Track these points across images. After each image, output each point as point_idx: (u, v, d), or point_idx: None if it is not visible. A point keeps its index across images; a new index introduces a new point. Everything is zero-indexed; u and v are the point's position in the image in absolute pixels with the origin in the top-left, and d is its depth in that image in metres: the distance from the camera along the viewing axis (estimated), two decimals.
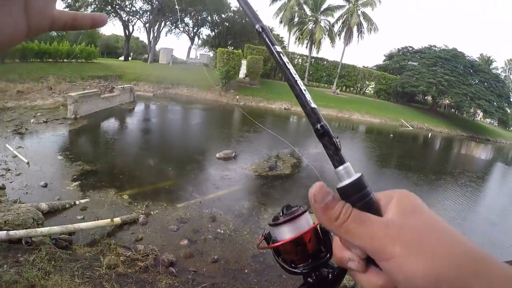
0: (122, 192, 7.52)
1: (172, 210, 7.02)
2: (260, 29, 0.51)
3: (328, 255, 0.50)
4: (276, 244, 0.50)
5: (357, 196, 0.41)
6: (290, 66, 0.48)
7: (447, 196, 11.73)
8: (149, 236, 5.86)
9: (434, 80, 37.25)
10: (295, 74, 0.47)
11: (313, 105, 0.45)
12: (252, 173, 10.09)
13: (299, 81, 0.47)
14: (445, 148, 26.98)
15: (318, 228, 0.52)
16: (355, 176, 0.42)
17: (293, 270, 0.51)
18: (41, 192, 7.19)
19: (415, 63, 43.34)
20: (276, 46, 0.50)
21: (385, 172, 13.85)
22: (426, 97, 47.94)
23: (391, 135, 25.07)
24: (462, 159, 22.39)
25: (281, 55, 0.49)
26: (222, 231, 6.44)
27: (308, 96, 0.46)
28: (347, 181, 0.42)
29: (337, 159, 0.44)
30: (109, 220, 5.86)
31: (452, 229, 0.37)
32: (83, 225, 5.64)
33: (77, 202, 6.70)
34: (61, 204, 6.44)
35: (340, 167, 0.43)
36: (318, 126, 0.44)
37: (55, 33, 49.16)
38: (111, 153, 11.11)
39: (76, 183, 7.78)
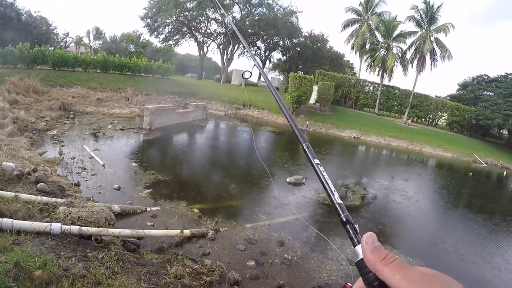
0: (192, 206, 7.48)
1: (241, 229, 6.81)
2: (305, 147, 0.70)
3: None
4: None
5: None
6: (325, 174, 0.67)
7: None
8: (217, 252, 5.66)
9: (511, 112, 34.09)
10: (328, 179, 0.66)
11: (339, 201, 0.61)
12: (321, 201, 9.62)
13: (330, 184, 0.66)
14: None
15: None
16: None
17: None
18: (114, 194, 7.39)
19: (490, 93, 40.23)
20: (315, 160, 0.71)
21: (453, 212, 12.56)
22: (501, 131, 43.53)
23: (470, 174, 22.98)
24: None
25: (319, 166, 0.69)
26: (289, 257, 6.06)
27: (336, 195, 0.62)
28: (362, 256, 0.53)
29: (357, 240, 0.55)
30: (179, 231, 5.78)
31: None
32: (153, 232, 5.60)
33: (148, 209, 6.74)
34: (133, 208, 6.51)
35: (358, 246, 0.54)
36: (342, 216, 0.59)
37: (134, 49, 53.21)
38: (182, 166, 11.31)
39: (148, 190, 7.91)
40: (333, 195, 0.62)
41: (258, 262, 5.63)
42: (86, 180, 7.87)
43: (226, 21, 40.12)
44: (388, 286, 0.48)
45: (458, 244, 8.67)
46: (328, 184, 0.66)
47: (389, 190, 13.02)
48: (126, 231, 5.15)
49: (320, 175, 0.68)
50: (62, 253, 4.07)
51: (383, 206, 10.96)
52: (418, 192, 13.93)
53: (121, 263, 4.28)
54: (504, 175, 26.91)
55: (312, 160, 0.74)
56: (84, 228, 4.74)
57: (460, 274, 7.06)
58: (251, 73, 2.01)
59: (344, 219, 0.58)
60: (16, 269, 3.20)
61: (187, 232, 5.81)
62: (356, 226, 0.59)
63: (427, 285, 0.43)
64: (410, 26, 39.67)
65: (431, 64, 38.49)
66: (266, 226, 7.22)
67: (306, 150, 0.79)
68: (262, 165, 12.77)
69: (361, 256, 0.52)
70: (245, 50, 46.31)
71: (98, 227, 5.04)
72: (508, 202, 17.58)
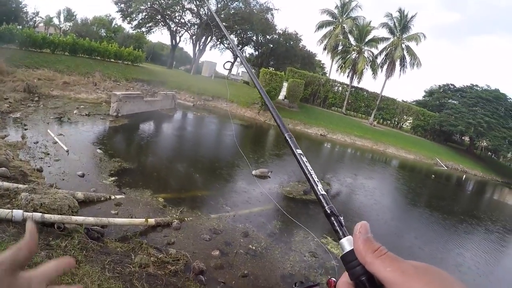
0: (157, 195, 7.43)
1: (206, 219, 6.85)
2: (288, 137, 0.71)
3: None
4: None
5: (357, 260, 0.49)
6: (308, 165, 0.66)
7: (470, 240, 10.94)
8: (181, 242, 5.68)
9: (474, 121, 35.99)
10: (311, 170, 0.65)
11: (322, 192, 0.59)
12: (286, 195, 9.81)
13: (314, 175, 0.64)
14: (478, 192, 25.62)
15: None
16: None
17: None
18: (77, 181, 7.22)
19: (455, 102, 42.17)
20: (298, 150, 0.70)
21: (412, 209, 13.19)
22: (463, 138, 46.03)
23: (433, 176, 24.01)
24: (493, 205, 21.09)
25: (301, 156, 0.68)
26: (254, 248, 6.18)
27: (320, 186, 0.61)
28: (349, 248, 0.51)
29: (342, 233, 0.53)
30: (143, 219, 5.75)
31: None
32: (117, 220, 5.54)
33: (113, 197, 6.64)
34: (97, 196, 6.39)
35: (344, 239, 0.52)
36: (327, 208, 0.56)
37: (105, 34, 51.61)
38: (148, 154, 11.19)
39: (113, 178, 7.79)
40: (317, 186, 0.60)
41: (222, 252, 5.71)
42: (49, 166, 7.63)
43: (201, 12, 39.63)
44: (375, 280, 0.47)
45: (415, 239, 9.17)
46: (311, 175, 0.63)
47: (352, 186, 13.45)
48: (90, 219, 5.07)
49: (303, 166, 0.66)
50: None
51: (345, 201, 11.36)
52: (381, 190, 14.49)
53: (84, 251, 4.24)
54: (463, 178, 28.39)
55: (295, 150, 0.72)
56: (47, 216, 4.63)
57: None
58: (232, 63, 2.00)
59: (329, 211, 0.56)
60: None
61: (151, 221, 5.78)
62: (341, 218, 0.56)
63: (420, 277, 0.42)
64: (383, 33, 40.97)
65: (400, 70, 39.85)
66: (231, 217, 7.30)
67: (289, 140, 0.78)
68: (229, 156, 12.87)
69: (347, 249, 0.50)
70: (218, 43, 46.04)
71: (61, 214, 4.92)
72: (466, 203, 18.60)
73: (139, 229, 5.69)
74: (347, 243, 0.50)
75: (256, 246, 6.25)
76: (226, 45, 46.85)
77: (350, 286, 0.50)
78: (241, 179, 10.57)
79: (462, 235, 11.25)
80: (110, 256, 4.35)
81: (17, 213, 4.31)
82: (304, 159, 0.67)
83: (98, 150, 9.61)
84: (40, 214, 4.58)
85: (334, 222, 0.55)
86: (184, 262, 4.91)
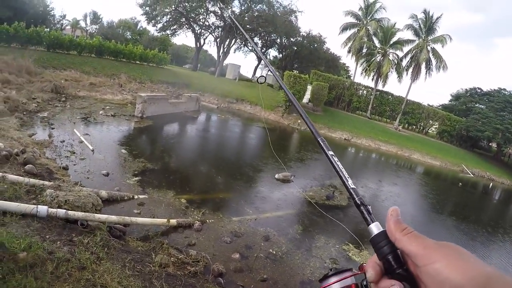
0: (180, 196, 7.49)
1: (227, 222, 6.84)
2: (320, 141, 0.77)
3: None
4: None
5: (385, 240, 0.56)
6: (339, 164, 0.72)
7: (497, 253, 10.48)
8: (202, 243, 5.69)
9: (501, 127, 34.62)
10: (342, 168, 0.72)
11: (353, 186, 0.66)
12: (308, 199, 9.70)
13: (344, 172, 0.70)
14: (505, 201, 24.63)
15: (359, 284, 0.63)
16: (383, 229, 0.58)
17: None
18: (102, 180, 7.35)
19: (482, 106, 40.72)
20: (330, 151, 0.77)
21: (437, 218, 12.77)
22: (490, 144, 44.39)
23: (460, 184, 23.26)
24: None
25: (333, 157, 0.74)
26: (274, 252, 6.12)
27: (350, 181, 0.68)
28: (377, 231, 0.58)
29: (370, 219, 0.60)
30: (165, 220, 5.79)
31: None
32: (139, 219, 5.59)
33: (136, 197, 6.72)
34: (120, 195, 6.49)
35: (372, 224, 0.59)
36: (357, 199, 0.63)
37: (131, 36, 52.70)
38: (172, 155, 11.28)
39: (137, 178, 7.89)
40: (347, 181, 0.67)
41: (242, 255, 5.68)
42: (74, 164, 7.81)
43: (225, 15, 39.93)
44: (400, 258, 0.54)
45: None
46: (342, 172, 0.71)
47: (376, 192, 13.18)
48: (113, 217, 5.14)
49: (335, 165, 0.73)
50: (47, 236, 4.05)
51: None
52: (405, 197, 14.14)
53: (106, 249, 4.28)
54: (490, 186, 27.37)
55: (327, 152, 0.79)
56: (71, 212, 4.71)
57: None
58: (265, 78, 2.09)
59: (359, 202, 0.63)
60: (1, 250, 3.18)
61: (173, 221, 5.81)
62: (369, 207, 0.63)
63: (440, 250, 0.48)
64: (408, 35, 40.17)
65: (426, 73, 38.97)
66: (252, 220, 7.27)
67: (321, 143, 0.85)
68: (252, 160, 12.84)
69: (375, 233, 0.57)
70: (242, 45, 46.24)
71: (84, 212, 5.00)
72: (491, 212, 17.92)
73: (161, 229, 5.72)
74: (375, 228, 0.57)
75: (277, 251, 6.19)
76: (250, 48, 47.03)
77: (377, 265, 0.57)
78: (263, 183, 10.51)
79: (486, 244, 10.84)
80: (131, 255, 4.38)
81: (42, 209, 4.39)
82: (336, 159, 0.73)
83: (123, 150, 9.78)
84: (64, 210, 4.66)
85: (364, 211, 0.61)
86: (203, 264, 4.90)
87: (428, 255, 0.48)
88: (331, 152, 0.77)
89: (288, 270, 5.69)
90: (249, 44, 44.95)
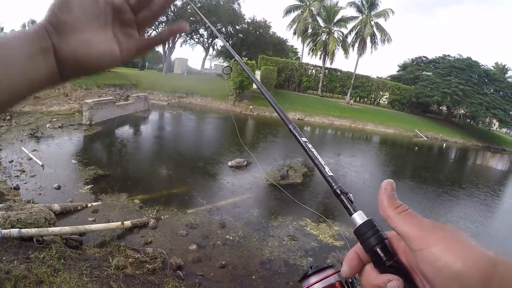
0: (133, 197, 7.60)
1: (182, 215, 7.05)
2: (291, 128, 0.74)
3: None
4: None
5: (371, 231, 0.51)
6: (314, 150, 0.69)
7: (461, 207, 11.49)
8: (158, 240, 5.89)
9: (449, 90, 36.78)
10: (317, 155, 0.67)
11: (330, 173, 0.61)
12: (264, 182, 10.06)
13: (320, 159, 0.66)
14: (460, 159, 26.41)
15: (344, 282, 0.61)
16: (367, 218, 0.53)
17: None
18: (54, 194, 7.32)
19: (429, 73, 42.73)
20: (303, 138, 0.73)
21: (400, 182, 13.62)
22: (440, 107, 47.10)
23: (416, 148, 24.59)
24: (477, 170, 21.88)
25: (307, 143, 0.71)
26: (231, 238, 6.42)
27: (327, 168, 0.63)
28: (361, 222, 0.52)
29: (352, 209, 0.55)
30: (119, 223, 5.91)
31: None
32: (93, 226, 5.70)
33: (89, 205, 6.78)
34: (73, 205, 6.53)
35: (355, 214, 0.53)
36: (335, 187, 0.58)
37: None
38: (124, 159, 11.27)
39: (89, 186, 7.90)
40: (324, 168, 0.63)
41: (200, 246, 5.92)
42: (25, 183, 7.70)
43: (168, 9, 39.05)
44: (389, 249, 0.49)
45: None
46: (318, 159, 0.66)
47: (336, 167, 13.74)
48: (66, 229, 5.23)
49: (309, 152, 0.70)
50: (4, 258, 4.12)
51: (321, 182, 11.64)
52: (365, 166, 14.92)
53: (62, 260, 4.39)
54: (444, 147, 29.18)
55: (300, 139, 0.76)
56: (24, 230, 4.76)
57: None
58: (231, 68, 2.11)
59: (338, 191, 0.58)
60: None
61: (127, 223, 5.96)
62: (351, 195, 0.58)
63: (437, 232, 0.44)
64: (351, 12, 41.51)
65: (371, 47, 40.49)
66: (207, 210, 7.52)
67: (293, 130, 0.81)
68: (204, 151, 13.00)
69: (359, 223, 0.52)
70: (188, 38, 45.63)
71: (38, 227, 5.07)
72: (448, 170, 19.26)
73: (117, 233, 5.85)
74: (359, 218, 0.52)
75: (234, 236, 6.49)
76: (196, 40, 46.55)
77: (355, 259, 0.52)
78: (218, 172, 10.76)
79: (448, 201, 11.82)
80: (88, 262, 4.53)
81: None
82: (310, 145, 0.71)
83: (73, 161, 9.68)
84: (18, 229, 4.70)
85: (344, 199, 0.57)
86: (161, 260, 5.11)
87: (424, 237, 0.44)
88: (304, 139, 0.74)
89: (247, 253, 5.98)
90: (195, 37, 44.48)
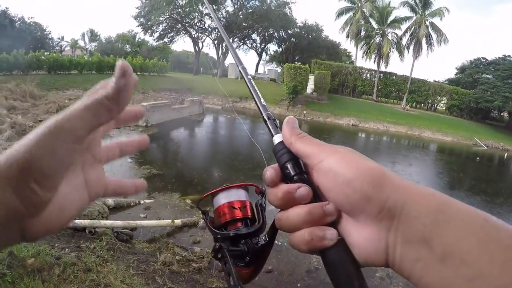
0: (185, 197, 7.69)
1: None
2: (266, 117, 0.67)
3: (260, 224, 0.59)
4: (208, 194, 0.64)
5: (286, 149, 0.54)
6: (254, 86, 0.70)
7: None
8: (207, 240, 5.85)
9: (511, 95, 34.11)
10: (257, 90, 0.69)
11: (264, 103, 0.65)
12: None
13: (258, 91, 0.69)
14: None
15: (253, 205, 0.63)
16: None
17: (223, 232, 0.58)
18: None
19: (489, 76, 39.79)
20: (248, 76, 0.73)
21: (458, 195, 12.65)
22: (502, 113, 43.43)
23: (477, 158, 22.91)
24: None
25: (251, 80, 0.72)
26: (279, 243, 6.23)
27: (262, 100, 0.67)
28: (279, 141, 0.56)
29: (275, 132, 0.58)
30: (170, 221, 5.98)
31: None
32: (144, 222, 5.82)
33: (142, 202, 6.95)
34: (126, 201, 6.72)
35: (276, 135, 0.57)
36: (264, 114, 0.63)
37: (130, 49, 53.34)
38: (178, 159, 11.54)
39: None
40: (260, 99, 0.67)
41: None
42: None
43: (219, 16, 40.10)
44: (302, 166, 0.52)
45: None
46: (256, 92, 0.69)
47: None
48: (118, 222, 5.37)
49: (250, 88, 0.71)
50: (56, 245, 4.30)
51: None
52: (422, 176, 14.13)
53: (112, 252, 4.49)
54: (505, 157, 26.84)
55: (245, 77, 0.74)
56: (77, 221, 4.94)
57: None
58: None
59: (266, 117, 0.62)
60: (10, 258, 3.41)
61: (178, 221, 6.00)
62: (277, 122, 0.62)
63: (335, 149, 0.47)
64: (405, 12, 39.97)
65: (427, 49, 38.69)
66: None
67: (242, 71, 0.78)
68: (255, 156, 12.95)
69: (277, 141, 0.56)
70: (241, 44, 46.42)
71: (91, 219, 5.26)
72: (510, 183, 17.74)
73: (167, 230, 5.92)
74: (278, 138, 0.57)
75: (282, 242, 6.30)
76: (249, 45, 47.20)
77: (274, 173, 0.53)
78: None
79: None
80: (136, 256, 4.59)
81: None
82: (253, 82, 0.71)
83: (128, 160, 10.01)
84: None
85: (269, 124, 0.61)
86: (208, 260, 5.06)
87: (321, 152, 0.47)
88: (249, 76, 0.74)
89: (294, 260, 5.78)
90: (247, 42, 45.14)
